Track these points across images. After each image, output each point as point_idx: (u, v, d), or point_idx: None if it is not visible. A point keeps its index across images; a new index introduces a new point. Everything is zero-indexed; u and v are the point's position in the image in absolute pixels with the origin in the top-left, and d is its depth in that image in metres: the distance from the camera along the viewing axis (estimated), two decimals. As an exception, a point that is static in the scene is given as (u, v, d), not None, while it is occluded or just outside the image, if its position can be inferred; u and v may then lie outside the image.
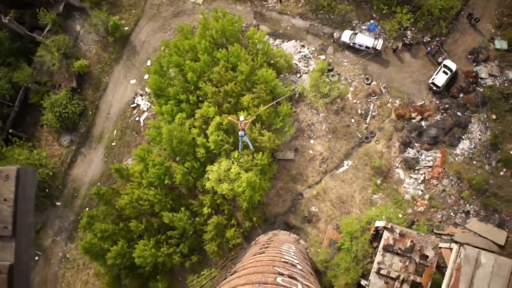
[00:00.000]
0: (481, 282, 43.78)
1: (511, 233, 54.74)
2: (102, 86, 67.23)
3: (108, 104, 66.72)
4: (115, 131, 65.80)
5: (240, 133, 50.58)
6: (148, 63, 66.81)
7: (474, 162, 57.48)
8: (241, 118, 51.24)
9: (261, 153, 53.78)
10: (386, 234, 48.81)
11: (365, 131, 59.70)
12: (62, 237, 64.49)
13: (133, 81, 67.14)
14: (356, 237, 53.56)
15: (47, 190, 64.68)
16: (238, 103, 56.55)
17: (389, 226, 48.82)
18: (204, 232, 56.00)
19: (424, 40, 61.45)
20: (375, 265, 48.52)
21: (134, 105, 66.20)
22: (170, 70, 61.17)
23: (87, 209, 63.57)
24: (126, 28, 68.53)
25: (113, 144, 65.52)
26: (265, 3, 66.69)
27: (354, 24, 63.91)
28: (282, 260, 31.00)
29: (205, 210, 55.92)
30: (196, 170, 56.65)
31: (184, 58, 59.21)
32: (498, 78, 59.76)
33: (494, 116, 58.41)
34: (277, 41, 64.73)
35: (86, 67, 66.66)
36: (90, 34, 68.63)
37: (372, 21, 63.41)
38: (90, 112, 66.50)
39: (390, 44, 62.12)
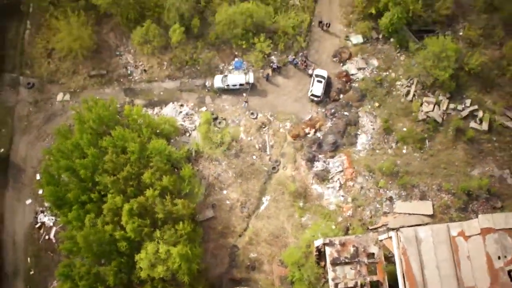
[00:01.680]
0: (428, 255, 45.43)
1: (434, 200, 57.51)
2: (-3, 218, 62.83)
3: (11, 235, 62.34)
4: (29, 258, 61.48)
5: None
6: (38, 176, 63.53)
7: (377, 151, 60.18)
8: None
9: (181, 222, 52.57)
10: (328, 250, 49.29)
11: (270, 162, 60.81)
12: None
13: (29, 201, 63.53)
14: (302, 265, 53.44)
15: None
16: (141, 183, 55.17)
17: (327, 241, 49.38)
18: (156, 323, 53.32)
19: (290, 60, 64.19)
20: (331, 283, 48.66)
21: (39, 224, 62.44)
22: (62, 176, 58.45)
23: None
24: (2, 150, 65.22)
25: (32, 273, 61.09)
26: (131, 77, 66.68)
27: (221, 68, 65.56)
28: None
29: (150, 301, 53.45)
30: (125, 265, 54.08)
31: (72, 159, 56.96)
32: (366, 69, 63.59)
33: (377, 104, 61.81)
34: (156, 109, 64.74)
35: (-27, 206, 62.20)
36: (-35, 171, 64.36)
37: (236, 59, 65.38)
38: (-5, 251, 61.76)
39: (261, 74, 64.07)
